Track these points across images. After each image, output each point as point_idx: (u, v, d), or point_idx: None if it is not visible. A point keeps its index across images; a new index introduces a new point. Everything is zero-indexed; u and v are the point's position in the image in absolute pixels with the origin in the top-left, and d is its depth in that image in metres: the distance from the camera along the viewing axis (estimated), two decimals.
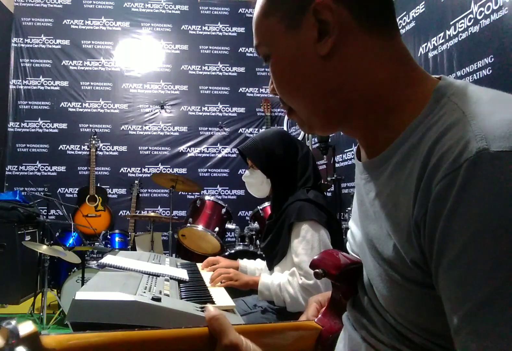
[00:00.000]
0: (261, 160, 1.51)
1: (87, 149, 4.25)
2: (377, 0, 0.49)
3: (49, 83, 4.31)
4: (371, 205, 0.53)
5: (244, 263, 1.64)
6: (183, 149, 4.45)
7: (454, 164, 0.38)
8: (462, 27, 2.00)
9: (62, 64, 4.35)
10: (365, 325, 0.54)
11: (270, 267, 1.50)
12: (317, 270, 0.59)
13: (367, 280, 0.55)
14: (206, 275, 1.42)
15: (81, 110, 4.34)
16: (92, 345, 0.41)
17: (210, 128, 4.52)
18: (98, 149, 4.28)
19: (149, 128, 4.41)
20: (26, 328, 0.36)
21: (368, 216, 0.54)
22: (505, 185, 0.35)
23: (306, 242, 1.32)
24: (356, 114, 0.53)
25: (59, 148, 4.27)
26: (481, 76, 1.85)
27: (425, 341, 0.46)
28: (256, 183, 1.56)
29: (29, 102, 4.27)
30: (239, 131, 4.56)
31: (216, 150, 4.50)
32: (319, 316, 0.62)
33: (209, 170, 4.47)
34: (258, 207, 3.15)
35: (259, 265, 1.64)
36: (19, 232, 3.20)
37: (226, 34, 4.64)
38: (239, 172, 4.45)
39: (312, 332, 0.59)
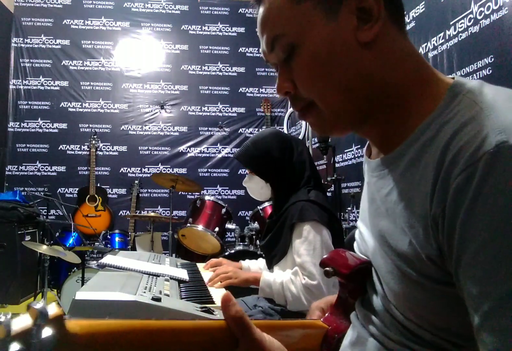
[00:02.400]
0: (256, 166, 1.49)
1: (87, 149, 4.25)
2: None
3: (49, 83, 4.31)
4: (383, 201, 0.53)
5: (246, 263, 1.64)
6: (183, 149, 4.45)
7: (473, 158, 0.37)
8: (462, 27, 2.00)
9: (62, 64, 4.35)
10: (373, 322, 0.54)
11: (270, 266, 1.50)
12: (327, 268, 0.59)
13: (376, 278, 0.55)
14: (206, 275, 1.42)
15: (81, 110, 4.33)
16: (113, 331, 0.42)
17: (210, 128, 4.52)
18: (98, 149, 4.28)
19: (149, 128, 4.41)
20: (52, 309, 0.36)
21: (379, 212, 0.54)
22: None
23: (308, 243, 1.32)
24: (380, 109, 0.52)
25: (59, 148, 4.26)
26: (481, 76, 1.85)
27: (435, 337, 0.46)
28: (256, 187, 1.56)
29: (29, 102, 4.27)
30: (239, 131, 4.56)
31: (216, 150, 4.50)
32: (326, 315, 0.63)
33: (209, 170, 4.47)
34: (258, 207, 3.15)
35: (261, 264, 1.64)
36: (19, 232, 3.19)
37: (226, 34, 4.64)
38: (239, 173, 4.44)
39: (318, 331, 0.59)
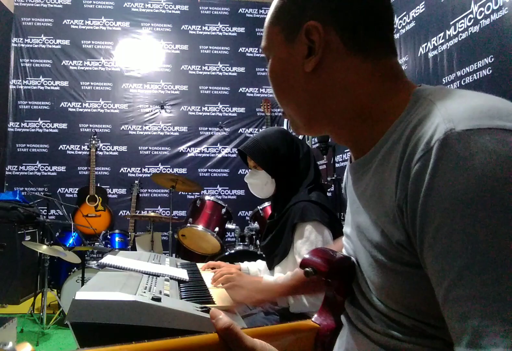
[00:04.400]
0: (265, 159, 1.48)
1: (87, 149, 4.25)
2: (369, 28, 0.54)
3: (49, 83, 4.31)
4: (360, 199, 0.57)
5: (245, 265, 1.63)
6: (183, 149, 4.45)
7: (427, 146, 0.42)
8: (462, 27, 2.00)
9: (62, 64, 4.35)
10: (361, 317, 0.57)
11: (270, 267, 1.50)
12: (307, 269, 0.59)
13: (360, 274, 0.58)
14: (206, 275, 1.42)
15: (81, 110, 4.34)
16: None
17: (210, 128, 4.52)
18: (98, 149, 4.28)
19: (149, 128, 4.41)
20: (26, 349, 0.36)
21: (358, 210, 0.58)
22: (470, 160, 0.38)
23: (310, 243, 1.32)
24: (339, 123, 0.58)
25: (59, 148, 4.27)
26: (481, 76, 1.85)
27: (415, 322, 0.48)
28: (260, 183, 1.53)
29: (29, 102, 4.27)
30: (239, 131, 4.56)
31: (216, 150, 4.51)
32: (315, 315, 0.63)
33: (209, 170, 4.47)
34: (258, 207, 3.15)
35: (260, 266, 1.63)
36: (19, 232, 3.20)
37: (226, 34, 4.64)
38: (239, 172, 4.45)
39: (309, 332, 0.59)
